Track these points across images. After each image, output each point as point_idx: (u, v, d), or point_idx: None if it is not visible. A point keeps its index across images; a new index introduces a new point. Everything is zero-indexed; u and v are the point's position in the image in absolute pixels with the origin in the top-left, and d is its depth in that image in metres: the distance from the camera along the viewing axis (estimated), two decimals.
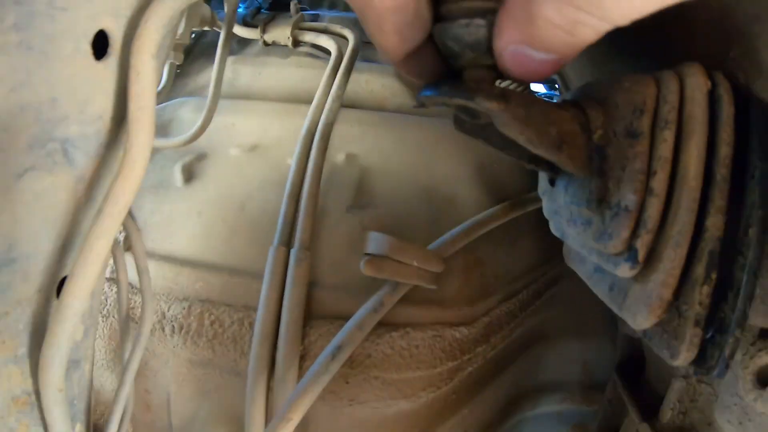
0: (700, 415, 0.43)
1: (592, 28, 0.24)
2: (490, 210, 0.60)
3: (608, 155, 0.32)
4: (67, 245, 0.36)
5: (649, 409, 0.48)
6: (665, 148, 0.29)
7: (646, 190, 0.30)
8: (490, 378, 0.66)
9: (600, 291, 0.36)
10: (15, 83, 0.29)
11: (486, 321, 0.61)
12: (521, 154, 0.38)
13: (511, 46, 0.28)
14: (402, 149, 0.66)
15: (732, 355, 0.29)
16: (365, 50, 0.79)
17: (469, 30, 0.29)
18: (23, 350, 0.34)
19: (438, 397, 0.59)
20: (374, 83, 0.75)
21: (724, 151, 0.28)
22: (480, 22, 0.28)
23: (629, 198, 0.30)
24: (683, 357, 0.29)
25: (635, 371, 0.58)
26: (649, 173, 0.30)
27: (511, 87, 0.47)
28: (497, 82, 0.32)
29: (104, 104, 0.35)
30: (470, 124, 0.37)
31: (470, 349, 0.59)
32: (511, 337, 0.66)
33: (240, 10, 0.81)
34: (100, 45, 0.34)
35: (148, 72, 0.34)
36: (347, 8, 0.87)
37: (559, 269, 0.71)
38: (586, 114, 0.33)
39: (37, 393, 0.35)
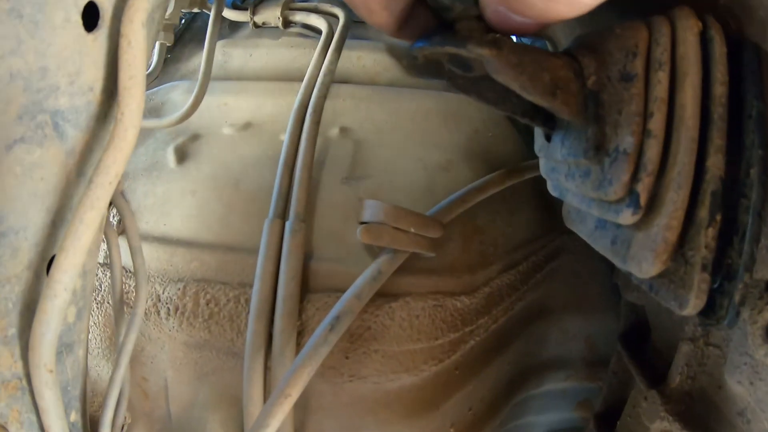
0: (710, 378, 0.42)
1: (566, 5, 0.26)
2: (486, 177, 0.61)
3: (603, 100, 0.33)
4: (57, 221, 0.36)
5: (656, 377, 0.48)
6: (661, 89, 0.29)
7: (644, 133, 0.30)
8: (493, 354, 0.66)
9: (602, 247, 0.36)
10: (4, 50, 0.30)
11: (487, 291, 0.61)
12: (515, 108, 0.39)
13: (492, 5, 0.29)
14: (395, 121, 0.67)
15: (743, 302, 0.29)
16: (356, 28, 0.80)
17: None
18: (13, 330, 0.35)
19: (441, 371, 0.59)
20: (366, 59, 0.76)
21: (719, 90, 0.29)
22: None
23: (627, 141, 0.30)
24: (692, 305, 0.29)
25: (640, 340, 0.58)
26: (646, 115, 0.30)
27: None
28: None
29: (95, 76, 0.36)
30: (463, 79, 0.37)
31: (472, 320, 0.59)
32: (513, 311, 0.66)
33: None
34: (91, 17, 0.34)
35: (139, 40, 0.35)
36: None
37: (560, 242, 0.71)
38: (578, 62, 0.34)
39: (28, 377, 0.36)
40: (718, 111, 0.29)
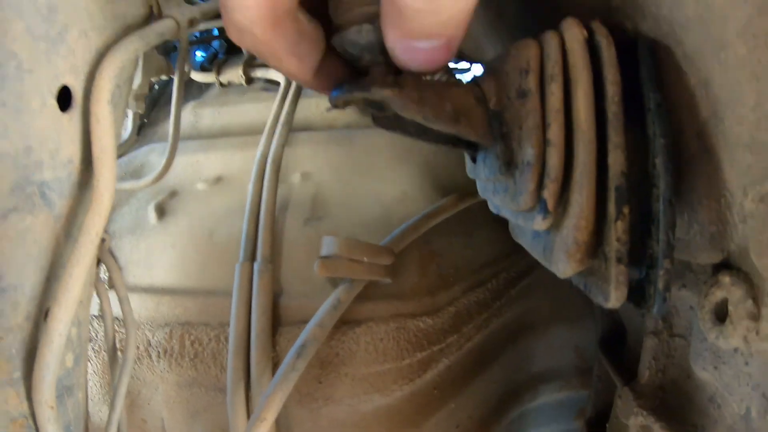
0: (679, 369, 0.43)
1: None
2: (438, 203, 0.66)
3: (506, 119, 0.34)
4: (50, 277, 0.41)
5: (632, 376, 0.48)
6: (555, 100, 0.31)
7: (545, 143, 0.31)
8: (475, 371, 0.70)
9: (538, 254, 0.37)
10: None
11: (452, 311, 0.65)
12: (437, 137, 0.41)
13: (397, 43, 0.31)
14: (351, 160, 0.73)
15: (667, 287, 0.29)
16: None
17: (361, 35, 0.33)
18: (18, 374, 0.39)
19: (416, 391, 0.63)
20: (323, 105, 0.82)
21: (612, 89, 0.30)
22: (368, 27, 0.32)
23: (529, 153, 0.32)
24: (614, 297, 0.30)
25: (618, 343, 0.60)
26: (545, 126, 0.31)
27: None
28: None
29: (72, 150, 0.41)
30: (384, 118, 0.41)
31: (439, 339, 0.63)
32: (489, 328, 0.70)
33: (200, 58, 0.88)
34: (65, 98, 0.40)
35: (106, 117, 0.41)
36: None
37: (531, 259, 0.73)
38: (480, 87, 0.36)
39: (33, 416, 0.40)
40: (612, 110, 0.30)
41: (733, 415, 0.35)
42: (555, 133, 0.31)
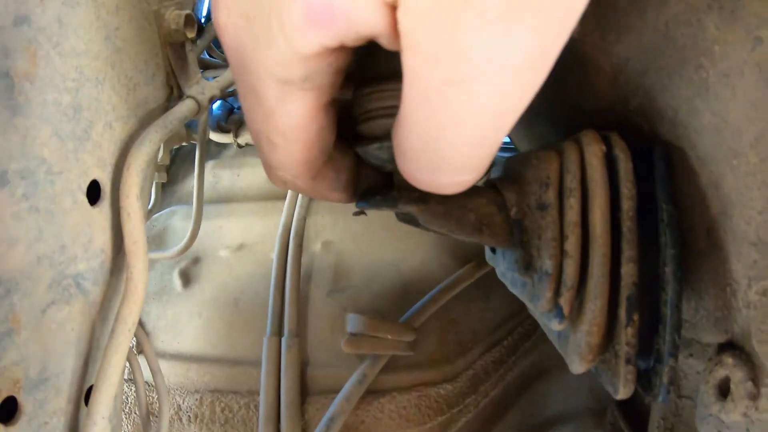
0: (687, 428, 0.43)
1: (448, 179, 0.28)
2: (455, 274, 0.68)
3: (526, 227, 0.36)
4: (89, 360, 0.42)
5: (644, 428, 0.49)
6: (572, 214, 0.32)
7: (562, 254, 0.33)
8: (493, 420, 0.72)
9: (552, 338, 0.39)
10: (30, 240, 0.35)
11: (470, 374, 0.67)
12: (459, 236, 0.42)
13: (409, 179, 0.31)
14: (370, 231, 0.75)
15: (671, 382, 0.31)
16: None
17: (383, 150, 0.34)
18: None
19: None
20: None
21: (627, 204, 0.31)
22: (388, 143, 0.32)
23: (547, 263, 0.33)
24: (622, 392, 0.31)
25: (632, 396, 0.60)
26: (562, 238, 0.33)
27: None
28: None
29: (104, 240, 0.43)
30: (409, 217, 0.41)
31: (458, 402, 0.66)
32: (505, 380, 0.72)
33: (216, 110, 0.89)
34: (94, 192, 0.41)
35: (136, 211, 0.42)
36: None
37: None
38: (501, 195, 0.37)
39: None
40: (627, 224, 0.31)
41: None
42: (572, 245, 0.32)
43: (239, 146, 0.87)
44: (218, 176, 0.87)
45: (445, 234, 0.38)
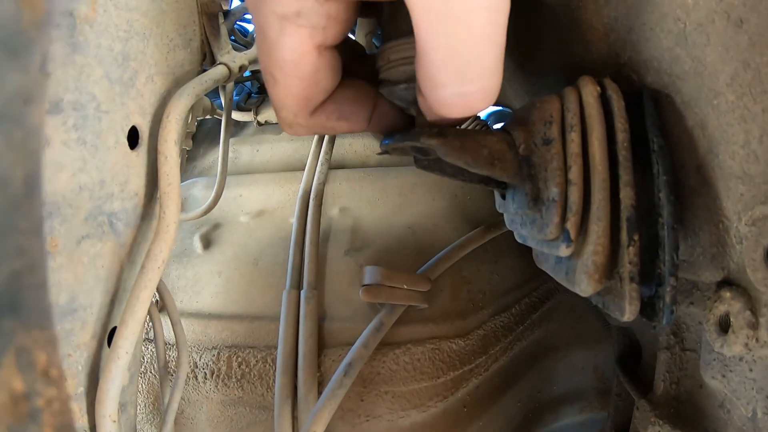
0: (691, 380, 0.45)
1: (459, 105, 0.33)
2: (468, 234, 0.71)
3: (533, 162, 0.38)
4: (114, 300, 0.44)
5: (648, 389, 0.51)
6: (574, 146, 0.35)
7: (567, 182, 0.35)
8: (500, 392, 0.73)
9: (561, 278, 0.40)
10: (75, 169, 0.37)
11: (481, 333, 0.69)
12: (471, 177, 0.45)
13: (429, 115, 0.36)
14: (386, 196, 0.78)
15: (674, 301, 0.32)
16: None
17: (408, 92, 0.38)
18: (81, 389, 0.40)
19: (449, 409, 0.66)
20: (357, 145, 0.88)
21: (621, 136, 0.34)
22: (414, 84, 0.37)
23: (554, 191, 0.36)
24: (629, 311, 0.33)
25: (635, 361, 0.62)
26: (566, 168, 0.35)
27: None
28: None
29: (138, 184, 0.45)
30: (426, 161, 0.44)
31: (469, 360, 0.67)
32: (513, 351, 0.73)
33: (235, 97, 0.92)
34: (133, 137, 0.44)
35: (174, 155, 0.45)
36: None
37: (551, 284, 0.79)
38: (511, 135, 0.40)
39: (93, 430, 0.41)
40: (623, 153, 0.34)
41: (741, 417, 0.37)
42: (575, 174, 0.35)
43: (259, 124, 0.90)
44: (238, 152, 0.91)
45: (462, 169, 0.42)
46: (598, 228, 0.34)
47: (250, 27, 1.05)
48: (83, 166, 0.38)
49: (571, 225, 0.35)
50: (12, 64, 0.16)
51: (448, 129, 0.37)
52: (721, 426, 0.41)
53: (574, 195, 0.35)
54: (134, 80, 0.43)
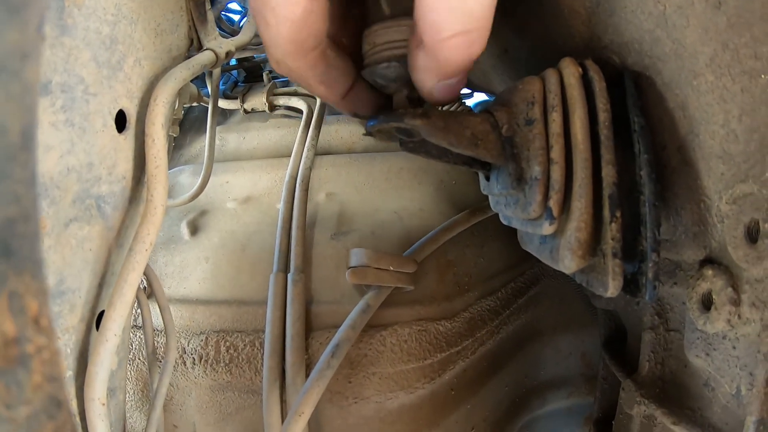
0: (675, 360, 0.46)
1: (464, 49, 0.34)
2: (453, 218, 0.72)
3: (516, 142, 0.39)
4: (102, 284, 0.44)
5: (634, 369, 0.52)
6: (555, 126, 0.36)
7: (549, 161, 0.36)
8: (487, 376, 0.74)
9: (545, 257, 0.41)
10: (63, 151, 0.38)
11: (467, 316, 0.70)
12: (456, 159, 0.46)
13: (428, 82, 0.37)
14: (372, 181, 0.80)
15: (656, 277, 0.33)
16: (332, 106, 0.88)
17: (390, 70, 0.39)
18: (70, 373, 0.41)
19: (436, 391, 0.67)
20: (342, 131, 0.89)
21: (603, 116, 0.35)
22: (396, 64, 0.39)
23: (536, 170, 0.36)
24: (612, 286, 0.34)
25: (620, 344, 0.63)
26: (548, 148, 0.36)
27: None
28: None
29: (126, 167, 0.46)
30: (411, 143, 0.45)
31: (456, 342, 0.68)
32: (500, 335, 0.75)
33: (222, 86, 0.91)
34: (121, 121, 0.44)
35: (161, 138, 0.46)
36: None
37: (538, 269, 0.81)
38: (493, 116, 0.41)
39: (82, 414, 0.42)
40: (604, 133, 0.35)
41: (726, 395, 0.38)
42: (557, 153, 0.36)
43: (245, 111, 0.90)
44: (225, 139, 0.92)
45: (447, 150, 0.43)
46: (580, 205, 0.35)
47: (236, 17, 1.05)
48: (71, 148, 0.38)
49: (553, 203, 0.36)
50: (11, 21, 0.16)
51: (432, 110, 0.38)
52: (705, 404, 0.42)
53: (556, 173, 0.36)
54: (122, 64, 0.43)
